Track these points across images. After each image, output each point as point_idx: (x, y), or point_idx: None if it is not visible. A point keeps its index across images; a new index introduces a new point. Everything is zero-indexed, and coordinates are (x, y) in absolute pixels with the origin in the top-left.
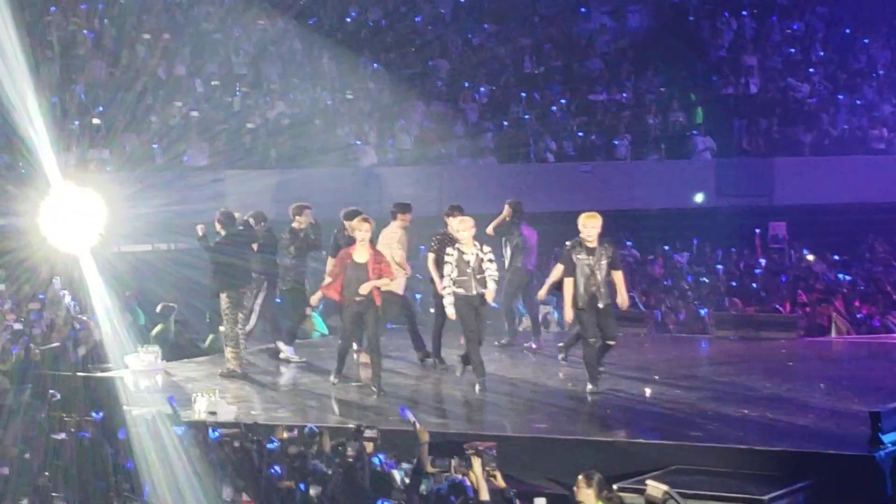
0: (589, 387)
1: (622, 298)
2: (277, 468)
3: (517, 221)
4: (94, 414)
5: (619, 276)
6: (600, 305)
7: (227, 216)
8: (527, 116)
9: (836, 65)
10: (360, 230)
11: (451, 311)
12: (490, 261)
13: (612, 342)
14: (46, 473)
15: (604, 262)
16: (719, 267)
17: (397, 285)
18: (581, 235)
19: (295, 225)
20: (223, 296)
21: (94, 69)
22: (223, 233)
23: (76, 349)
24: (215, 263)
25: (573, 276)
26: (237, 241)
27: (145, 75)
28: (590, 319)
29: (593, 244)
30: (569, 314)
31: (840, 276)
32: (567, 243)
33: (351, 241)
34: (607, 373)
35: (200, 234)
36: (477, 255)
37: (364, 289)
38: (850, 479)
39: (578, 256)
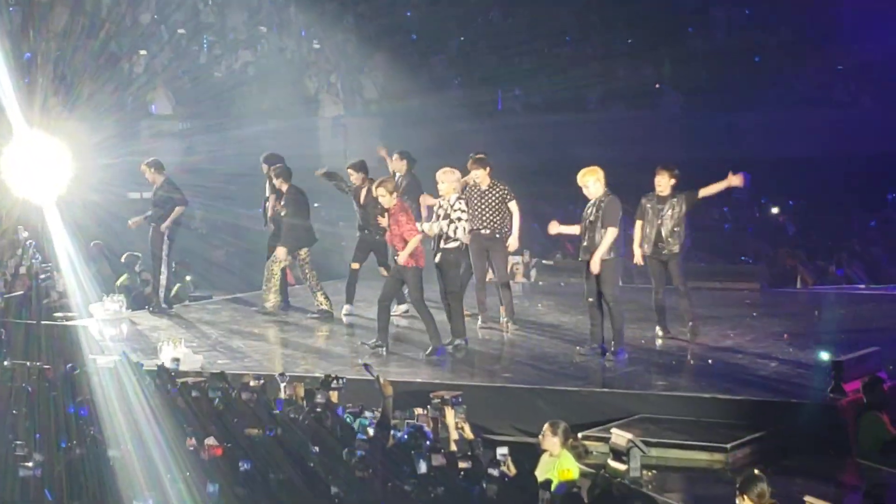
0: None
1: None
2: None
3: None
4: (63, 365)
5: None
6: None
7: (287, 171)
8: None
9: (805, 17)
10: (380, 196)
11: None
12: (458, 219)
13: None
14: (9, 419)
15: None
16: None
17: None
18: None
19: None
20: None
21: (57, 16)
22: (284, 188)
23: (40, 298)
24: (289, 222)
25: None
26: (299, 198)
27: (110, 23)
28: (585, 273)
29: (591, 198)
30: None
31: (804, 227)
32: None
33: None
34: (570, 327)
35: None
36: (445, 208)
37: (401, 259)
38: (813, 427)
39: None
